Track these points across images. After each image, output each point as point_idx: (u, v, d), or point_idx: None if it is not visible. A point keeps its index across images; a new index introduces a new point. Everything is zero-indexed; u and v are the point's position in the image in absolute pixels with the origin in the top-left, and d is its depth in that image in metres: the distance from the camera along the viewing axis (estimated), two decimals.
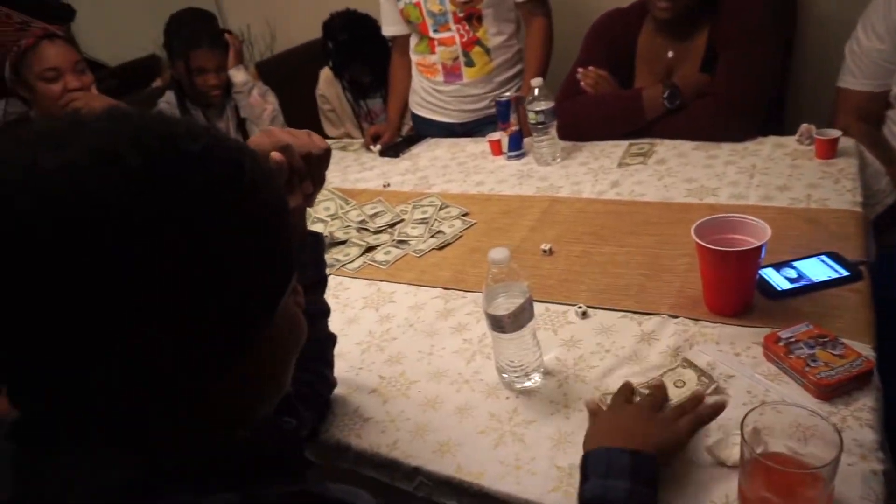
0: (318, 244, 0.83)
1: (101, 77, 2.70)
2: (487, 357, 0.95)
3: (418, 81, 1.99)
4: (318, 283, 0.84)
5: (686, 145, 1.48)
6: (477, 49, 1.82)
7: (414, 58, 1.97)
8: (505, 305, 0.81)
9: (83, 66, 1.76)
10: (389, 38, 2.04)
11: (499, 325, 0.82)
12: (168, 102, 2.06)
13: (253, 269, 0.43)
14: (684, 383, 0.81)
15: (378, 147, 1.90)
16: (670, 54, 1.58)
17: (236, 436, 0.48)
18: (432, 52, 1.87)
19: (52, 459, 0.41)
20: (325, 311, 0.86)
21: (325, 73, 2.40)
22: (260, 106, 2.05)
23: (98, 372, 0.38)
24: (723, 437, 0.73)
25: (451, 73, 1.88)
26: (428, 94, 1.97)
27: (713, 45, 1.50)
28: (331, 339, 0.88)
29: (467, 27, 1.80)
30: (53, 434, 0.42)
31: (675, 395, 0.79)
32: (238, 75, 2.01)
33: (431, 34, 1.83)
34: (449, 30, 1.81)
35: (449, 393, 0.90)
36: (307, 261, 0.81)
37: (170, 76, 2.18)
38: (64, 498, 0.40)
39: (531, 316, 0.84)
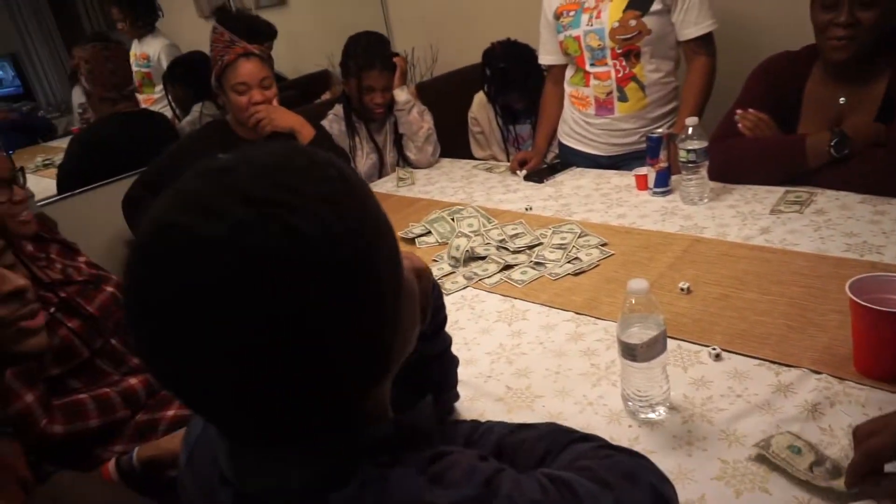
0: (437, 291, 0.87)
1: (282, 87, 3.03)
2: (613, 384, 0.97)
3: (569, 112, 2.04)
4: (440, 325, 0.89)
5: (851, 198, 1.40)
6: (632, 85, 1.84)
7: (568, 89, 2.03)
8: (639, 335, 0.84)
9: (269, 81, 2.00)
10: (545, 67, 2.11)
11: (631, 353, 0.84)
12: (336, 115, 2.28)
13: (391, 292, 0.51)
14: (800, 451, 0.78)
15: (523, 172, 1.97)
16: (842, 101, 1.50)
17: (400, 415, 0.56)
18: (586, 84, 1.91)
19: (265, 455, 0.51)
20: (448, 345, 0.92)
21: (479, 97, 2.52)
22: (417, 124, 2.21)
23: (298, 394, 0.46)
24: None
25: (604, 107, 1.91)
26: (577, 125, 2.01)
27: (893, 94, 1.41)
28: (454, 363, 0.93)
29: (624, 63, 1.82)
30: (259, 437, 0.51)
31: (795, 460, 0.76)
32: (401, 95, 2.18)
33: (588, 67, 1.88)
34: (605, 64, 1.84)
35: (572, 412, 0.94)
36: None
37: (341, 90, 2.41)
38: (272, 480, 0.50)
39: (663, 349, 0.85)
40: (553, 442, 0.69)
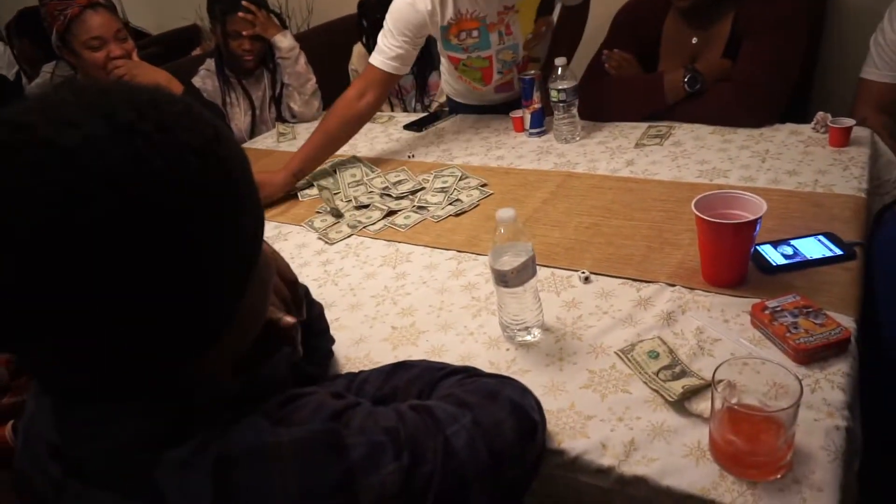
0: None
1: (144, 45, 2.82)
2: (492, 314, 1.02)
3: (459, 84, 1.95)
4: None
5: (703, 129, 1.52)
6: (531, 65, 1.82)
7: (451, 76, 1.91)
8: (510, 262, 0.88)
9: (125, 34, 1.85)
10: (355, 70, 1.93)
11: (503, 279, 0.88)
12: (208, 69, 2.15)
13: (240, 229, 0.50)
14: (658, 355, 0.87)
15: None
16: (694, 40, 1.61)
17: (251, 371, 0.55)
18: (487, 83, 1.81)
19: (88, 411, 0.48)
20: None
21: (358, 49, 2.47)
22: (306, 75, 2.13)
23: (120, 335, 0.44)
24: (702, 392, 0.79)
25: (503, 87, 1.85)
26: (472, 95, 1.94)
27: (737, 33, 1.53)
28: (317, 308, 0.91)
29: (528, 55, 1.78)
30: (84, 390, 0.48)
31: (649, 364, 0.85)
32: (284, 41, 2.08)
33: (494, 77, 1.78)
34: (515, 67, 1.78)
35: (454, 343, 0.97)
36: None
37: (213, 46, 2.27)
38: (101, 439, 0.48)
39: (533, 273, 0.90)
40: (424, 382, 0.71)
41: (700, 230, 0.96)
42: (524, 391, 0.72)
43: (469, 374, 0.74)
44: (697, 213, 0.93)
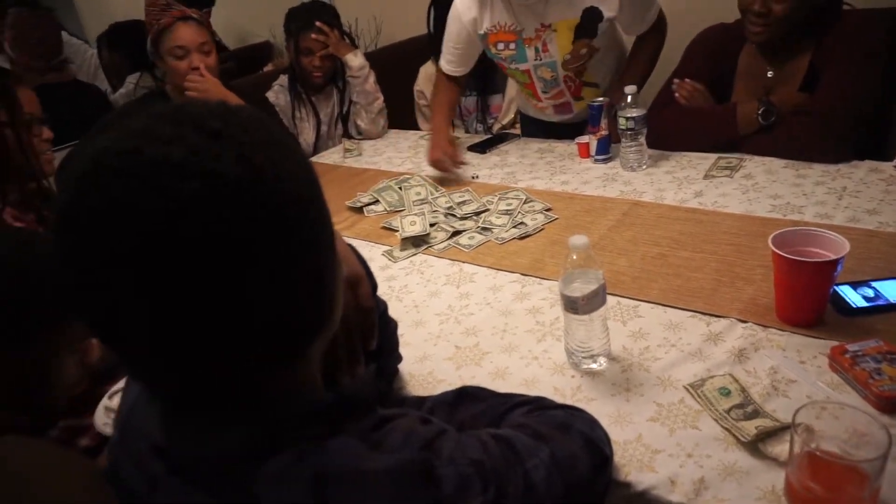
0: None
1: (222, 59, 2.94)
2: (557, 339, 1.01)
3: (520, 97, 2.04)
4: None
5: (776, 163, 1.48)
6: (586, 89, 1.83)
7: (516, 89, 2.01)
8: (580, 289, 0.88)
9: (209, 47, 1.94)
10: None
11: (573, 306, 0.88)
12: (281, 85, 2.24)
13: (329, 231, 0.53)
14: (729, 392, 0.84)
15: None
16: (770, 74, 1.58)
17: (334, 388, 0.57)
18: (538, 99, 1.90)
19: (193, 418, 0.51)
20: (384, 308, 0.91)
21: (425, 70, 2.51)
22: (374, 94, 2.18)
23: (229, 343, 0.46)
24: (777, 434, 0.76)
25: (561, 110, 1.91)
26: (535, 110, 2.01)
27: (816, 67, 1.49)
28: (393, 326, 0.92)
29: (575, 78, 1.79)
30: (191, 398, 0.50)
31: (720, 401, 0.83)
32: (355, 60, 2.14)
33: (540, 94, 1.86)
34: (558, 88, 1.83)
35: (518, 366, 0.97)
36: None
37: (284, 62, 2.36)
38: (206, 446, 0.50)
39: (603, 302, 0.90)
40: (491, 417, 0.72)
41: (777, 267, 0.94)
42: (593, 423, 0.71)
43: (537, 405, 0.74)
44: (775, 249, 0.91)
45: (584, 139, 1.71)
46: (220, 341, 0.46)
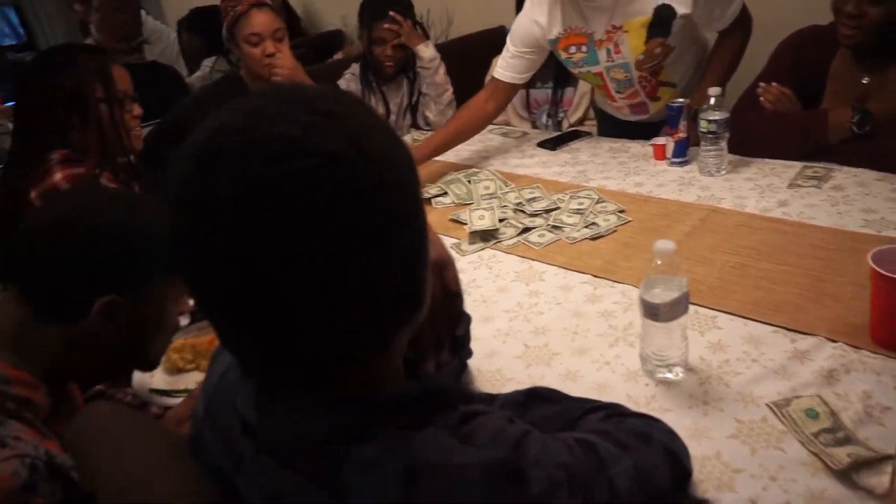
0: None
1: (294, 45, 2.99)
2: (631, 345, 0.99)
3: (597, 94, 2.00)
4: None
5: (868, 174, 1.40)
6: (662, 90, 1.77)
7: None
8: (661, 295, 0.85)
9: (282, 34, 1.97)
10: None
11: (653, 312, 0.85)
12: (353, 73, 2.26)
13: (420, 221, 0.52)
14: (818, 415, 0.80)
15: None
16: (865, 80, 1.49)
17: (417, 377, 0.57)
18: (613, 100, 1.86)
19: (286, 399, 0.51)
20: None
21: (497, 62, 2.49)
22: (444, 86, 2.18)
23: (319, 328, 0.46)
24: (874, 465, 0.72)
25: (637, 110, 1.86)
26: (611, 108, 1.97)
27: None
28: (467, 321, 0.90)
29: (650, 78, 1.73)
30: (283, 378, 0.51)
31: (807, 424, 0.78)
32: (426, 51, 2.14)
33: (614, 94, 1.81)
34: (632, 88, 1.77)
35: (590, 370, 0.95)
36: None
37: (354, 51, 2.38)
38: (297, 428, 0.50)
39: (685, 310, 0.86)
40: (565, 420, 0.70)
41: (875, 285, 0.88)
42: (673, 435, 0.69)
43: (613, 410, 0.71)
44: (875, 266, 0.86)
45: (661, 140, 1.65)
46: (318, 323, 0.46)
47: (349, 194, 0.44)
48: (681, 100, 1.59)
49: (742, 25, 1.68)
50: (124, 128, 1.33)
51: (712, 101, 1.47)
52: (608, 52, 1.68)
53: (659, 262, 0.85)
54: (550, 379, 0.95)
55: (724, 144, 1.51)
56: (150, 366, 0.87)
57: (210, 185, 0.43)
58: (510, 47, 1.76)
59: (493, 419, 0.54)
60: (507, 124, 2.44)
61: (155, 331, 0.82)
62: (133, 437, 0.59)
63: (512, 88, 1.82)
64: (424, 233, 0.52)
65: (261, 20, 1.90)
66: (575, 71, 1.80)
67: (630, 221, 1.37)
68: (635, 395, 0.89)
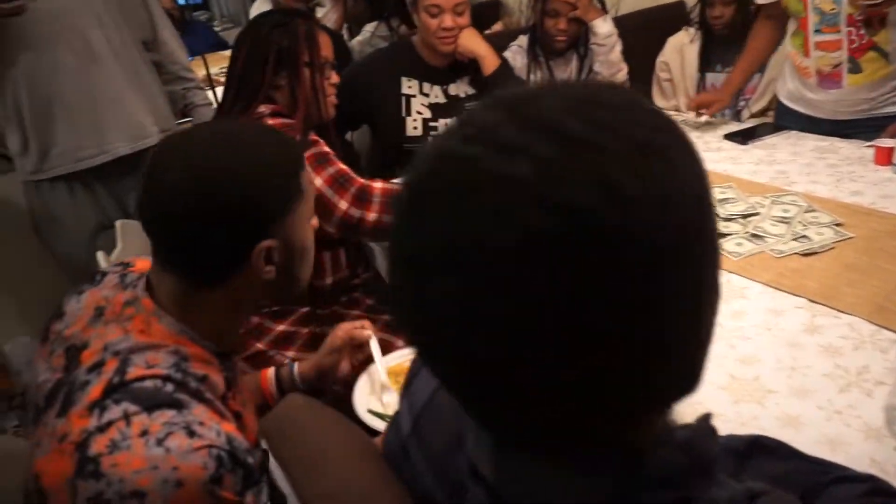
0: None
1: None
2: (867, 394, 0.82)
3: (789, 68, 1.76)
4: None
5: None
6: (871, 55, 1.49)
7: (787, 47, 1.73)
8: None
9: (463, 8, 1.88)
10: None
11: None
12: (520, 45, 2.14)
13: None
14: None
15: (704, 118, 1.77)
16: None
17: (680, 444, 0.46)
18: (806, 54, 1.60)
19: (527, 458, 0.42)
20: None
21: (675, 40, 2.28)
22: (618, 65, 2.02)
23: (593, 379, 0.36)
24: None
25: (828, 80, 1.58)
26: (795, 87, 1.73)
27: None
28: None
29: (862, 32, 1.47)
30: (533, 438, 0.42)
31: None
32: (603, 26, 1.98)
33: (811, 35, 1.55)
34: (837, 32, 1.50)
35: (815, 418, 0.80)
36: None
37: (514, 22, 2.25)
38: (549, 498, 0.41)
39: None
40: (803, 485, 0.58)
41: None
42: None
43: (874, 486, 0.57)
44: None
45: (888, 143, 1.41)
46: (597, 383, 0.36)
47: (601, 257, 0.33)
48: None
49: None
50: (322, 93, 1.33)
51: None
52: None
53: None
54: (765, 422, 0.81)
55: None
56: (301, 291, 0.84)
57: (420, 234, 0.36)
58: None
59: (784, 500, 0.43)
60: (677, 110, 2.23)
61: (301, 257, 0.79)
62: (336, 442, 0.54)
63: (780, 6, 1.68)
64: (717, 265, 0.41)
65: None
66: None
67: (851, 238, 1.16)
68: (882, 461, 0.73)
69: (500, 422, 0.41)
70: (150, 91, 1.66)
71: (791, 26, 1.68)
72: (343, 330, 1.09)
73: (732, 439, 0.65)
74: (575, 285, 0.33)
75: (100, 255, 1.30)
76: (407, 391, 0.59)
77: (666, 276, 0.35)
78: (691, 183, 0.37)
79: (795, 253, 1.14)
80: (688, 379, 0.41)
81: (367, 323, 1.13)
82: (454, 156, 0.36)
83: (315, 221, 0.84)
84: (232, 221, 0.69)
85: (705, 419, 0.49)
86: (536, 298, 0.33)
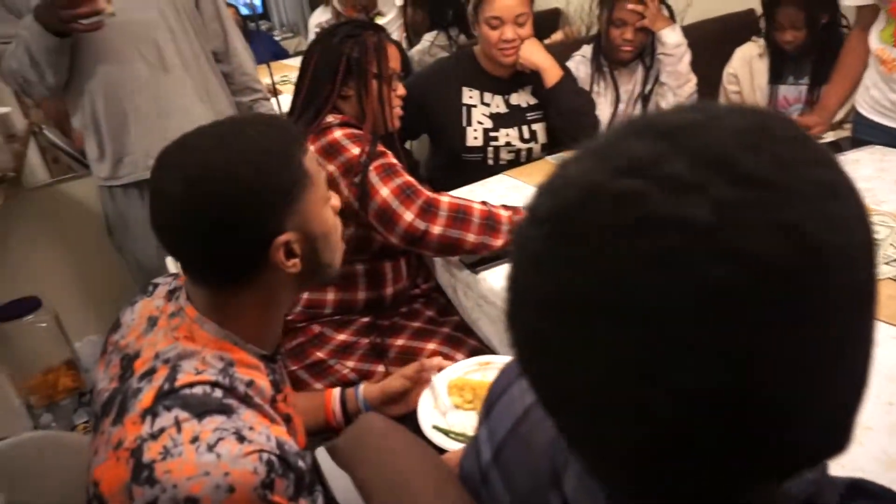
0: None
1: None
2: None
3: (872, 75, 1.67)
4: None
5: None
6: None
7: (873, 45, 1.65)
8: None
9: (525, 18, 1.86)
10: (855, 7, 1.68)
11: None
12: (583, 55, 2.11)
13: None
14: None
15: None
16: None
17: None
18: (894, 44, 1.53)
19: None
20: None
21: (744, 51, 2.20)
22: (686, 76, 1.96)
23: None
24: None
25: None
26: (881, 93, 1.64)
27: None
28: None
29: None
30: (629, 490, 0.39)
31: None
32: (672, 36, 1.93)
33: None
34: None
35: None
36: None
37: (574, 32, 2.21)
38: None
39: None
40: None
41: None
42: None
43: None
44: None
45: None
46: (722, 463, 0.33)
47: (779, 309, 0.29)
48: None
49: None
50: (389, 104, 1.33)
51: None
52: None
53: None
54: (864, 462, 0.75)
55: None
56: (335, 273, 0.83)
57: (568, 277, 0.32)
58: None
59: None
60: None
61: (325, 242, 0.77)
62: (418, 471, 0.52)
63: (872, 12, 1.63)
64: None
65: (504, 3, 1.81)
66: None
67: None
68: None
69: (627, 477, 0.38)
70: (218, 102, 1.70)
71: (878, 24, 1.59)
72: (419, 362, 1.11)
73: (837, 481, 0.60)
74: (753, 343, 0.29)
75: (169, 261, 1.33)
76: (487, 418, 0.56)
77: (845, 330, 0.32)
78: (863, 225, 0.34)
79: (889, 278, 1.07)
80: (843, 436, 0.38)
81: (442, 363, 1.13)
82: (608, 191, 0.32)
83: (336, 202, 0.81)
84: (236, 225, 0.68)
85: (823, 470, 0.45)
86: (713, 356, 0.30)
